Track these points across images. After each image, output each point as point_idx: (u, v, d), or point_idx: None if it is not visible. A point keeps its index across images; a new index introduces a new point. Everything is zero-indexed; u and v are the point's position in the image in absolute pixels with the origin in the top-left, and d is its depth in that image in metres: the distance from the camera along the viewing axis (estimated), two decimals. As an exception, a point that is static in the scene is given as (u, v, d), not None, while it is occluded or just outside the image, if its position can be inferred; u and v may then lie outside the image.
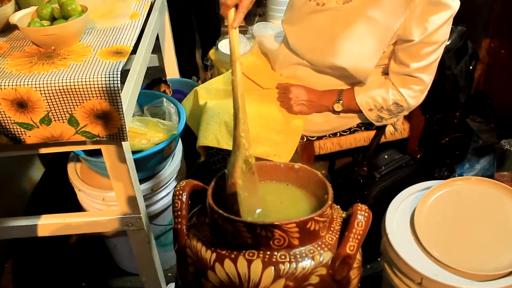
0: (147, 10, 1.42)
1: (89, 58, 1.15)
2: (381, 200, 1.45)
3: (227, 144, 1.47)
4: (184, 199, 1.04)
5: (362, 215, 0.95)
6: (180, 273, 1.08)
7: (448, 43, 1.42)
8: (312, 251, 0.95)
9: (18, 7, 1.39)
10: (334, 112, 1.55)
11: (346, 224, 0.96)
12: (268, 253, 0.93)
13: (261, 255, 0.93)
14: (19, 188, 2.06)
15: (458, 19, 1.39)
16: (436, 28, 1.33)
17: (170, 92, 2.04)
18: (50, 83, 1.05)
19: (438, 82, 1.50)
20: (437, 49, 1.39)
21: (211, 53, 2.24)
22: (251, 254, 0.93)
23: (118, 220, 1.35)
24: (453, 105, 1.65)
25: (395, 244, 1.26)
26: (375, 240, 1.36)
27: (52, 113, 1.08)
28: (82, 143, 1.19)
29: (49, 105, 1.07)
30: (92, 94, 1.06)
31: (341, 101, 1.52)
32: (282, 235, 0.92)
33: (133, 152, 1.38)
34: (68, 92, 1.06)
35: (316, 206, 1.05)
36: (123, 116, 1.10)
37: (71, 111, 1.08)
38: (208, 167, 1.68)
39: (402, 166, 1.62)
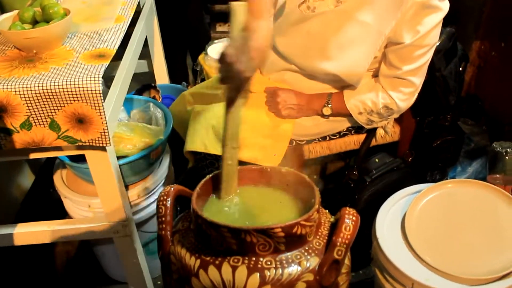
0: (132, 14, 1.40)
1: (71, 62, 1.13)
2: (372, 204, 1.43)
3: (214, 149, 1.45)
4: (168, 205, 1.03)
5: (350, 219, 0.93)
6: (165, 280, 1.06)
7: (438, 44, 1.41)
8: (298, 257, 0.93)
9: (2, 11, 1.37)
10: (323, 116, 1.53)
11: (334, 228, 0.94)
12: (254, 259, 0.92)
13: (246, 261, 0.91)
14: (9, 196, 2.03)
15: (447, 21, 1.38)
16: (428, 30, 1.33)
17: (160, 97, 2.03)
18: (30, 87, 1.04)
19: (428, 84, 1.49)
20: (428, 51, 1.38)
21: (201, 58, 2.22)
22: (236, 260, 0.92)
23: (104, 227, 1.34)
24: (444, 107, 1.64)
25: (386, 249, 1.24)
26: (367, 245, 1.34)
27: (32, 117, 1.07)
28: (65, 148, 1.17)
29: (29, 109, 1.06)
30: (73, 97, 1.05)
31: (330, 105, 1.51)
32: (267, 240, 0.91)
33: (119, 158, 1.36)
34: (49, 95, 1.05)
35: (304, 211, 1.03)
36: (105, 120, 1.08)
37: (52, 115, 1.07)
38: (198, 172, 1.66)
39: (393, 169, 1.61)
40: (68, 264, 1.92)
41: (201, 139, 1.47)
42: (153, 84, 2.06)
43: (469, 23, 1.97)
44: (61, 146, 1.14)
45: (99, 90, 1.04)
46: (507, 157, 1.63)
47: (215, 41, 2.29)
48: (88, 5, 1.45)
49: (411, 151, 1.70)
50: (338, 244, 0.92)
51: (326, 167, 1.93)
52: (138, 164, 1.49)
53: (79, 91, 1.04)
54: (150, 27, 2.10)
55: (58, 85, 1.04)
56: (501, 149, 1.66)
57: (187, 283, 0.95)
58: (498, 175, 1.62)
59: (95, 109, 1.06)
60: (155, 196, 1.63)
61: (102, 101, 1.06)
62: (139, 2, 1.61)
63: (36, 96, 1.04)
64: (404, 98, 1.44)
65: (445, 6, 1.33)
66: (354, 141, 1.67)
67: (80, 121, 1.08)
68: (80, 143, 1.12)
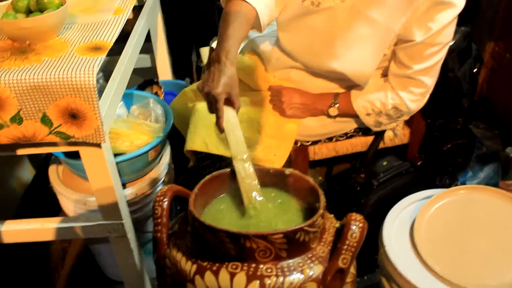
0: (132, 6, 1.36)
1: (65, 54, 1.09)
2: (379, 209, 1.39)
3: (216, 149, 1.41)
4: (165, 206, 0.98)
5: (356, 225, 0.88)
6: (160, 285, 1.02)
7: (451, 43, 1.36)
8: (301, 264, 0.89)
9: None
10: (329, 116, 1.49)
11: (339, 235, 0.90)
12: (253, 265, 0.87)
13: (245, 268, 0.87)
14: (9, 191, 2.01)
15: (461, 20, 1.33)
16: (441, 27, 1.27)
17: (162, 93, 1.99)
18: (21, 79, 1.00)
19: (440, 85, 1.44)
20: (440, 50, 1.33)
21: (203, 52, 2.18)
22: (234, 267, 0.87)
23: (99, 227, 1.30)
24: (456, 110, 1.60)
25: (393, 257, 1.20)
26: (373, 251, 1.30)
27: (23, 111, 1.03)
28: (58, 144, 1.13)
29: (19, 102, 1.01)
30: (66, 91, 1.01)
31: (337, 105, 1.47)
32: (268, 247, 0.86)
33: (115, 155, 1.32)
34: (40, 89, 1.00)
35: (307, 215, 0.99)
36: (99, 116, 1.04)
37: (43, 109, 1.03)
38: (199, 172, 1.62)
39: (401, 173, 1.57)
40: (65, 262, 1.88)
41: (202, 138, 1.43)
42: (155, 80, 2.02)
43: (483, 23, 1.92)
44: (53, 142, 1.10)
45: (93, 84, 1.00)
46: (520, 163, 1.59)
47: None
48: (86, -4, 1.41)
49: (420, 154, 1.66)
50: (344, 251, 0.87)
51: (332, 168, 1.91)
52: (135, 162, 1.45)
53: (72, 84, 1.00)
54: (153, 21, 2.06)
55: (51, 78, 1.00)
56: (514, 154, 1.62)
57: (182, 289, 0.90)
58: (511, 181, 1.58)
59: (89, 104, 1.02)
60: (154, 195, 1.59)
61: (97, 96, 1.01)
62: (141, -5, 1.57)
63: (27, 89, 1.00)
64: (414, 99, 1.39)
65: (460, 3, 1.27)
66: (361, 143, 1.63)
67: (74, 116, 1.03)
68: (74, 139, 1.07)
